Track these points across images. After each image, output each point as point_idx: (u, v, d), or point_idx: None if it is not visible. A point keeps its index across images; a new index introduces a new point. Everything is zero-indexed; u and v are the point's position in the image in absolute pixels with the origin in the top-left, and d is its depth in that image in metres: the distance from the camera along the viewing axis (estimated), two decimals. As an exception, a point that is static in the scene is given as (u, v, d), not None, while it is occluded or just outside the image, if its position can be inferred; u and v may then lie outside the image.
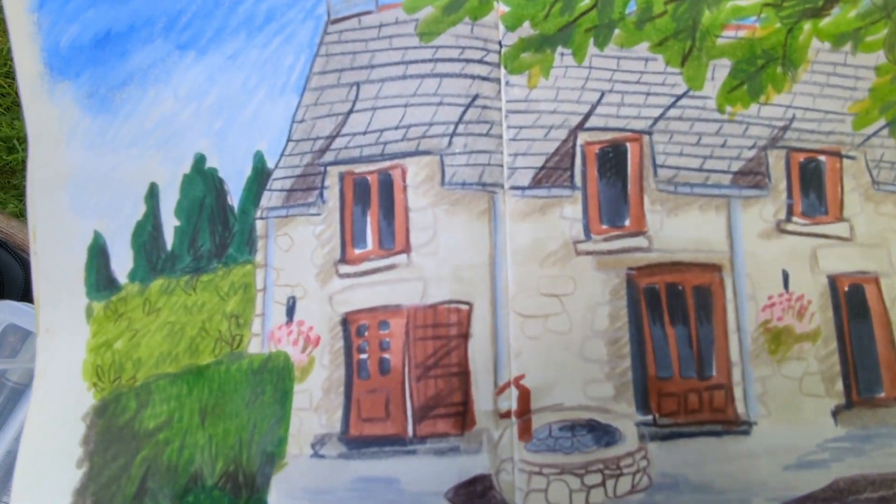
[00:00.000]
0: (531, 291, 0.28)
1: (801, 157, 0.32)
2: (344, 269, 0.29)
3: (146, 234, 0.31)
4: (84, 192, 0.32)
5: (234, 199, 0.31)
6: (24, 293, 0.56)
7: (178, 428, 0.29)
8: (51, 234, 0.32)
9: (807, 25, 0.32)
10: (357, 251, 0.28)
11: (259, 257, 0.30)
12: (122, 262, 0.31)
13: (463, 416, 0.27)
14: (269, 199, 0.30)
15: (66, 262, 0.32)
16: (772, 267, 0.30)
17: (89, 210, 0.32)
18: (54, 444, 0.30)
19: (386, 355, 0.28)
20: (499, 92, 0.30)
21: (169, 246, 0.31)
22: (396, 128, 0.29)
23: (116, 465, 0.29)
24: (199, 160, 0.31)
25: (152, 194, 0.31)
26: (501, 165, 0.29)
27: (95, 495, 0.29)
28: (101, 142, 0.32)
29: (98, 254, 0.31)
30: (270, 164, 0.30)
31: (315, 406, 0.28)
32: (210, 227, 0.31)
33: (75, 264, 0.31)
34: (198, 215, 0.31)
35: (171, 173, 0.31)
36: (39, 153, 0.32)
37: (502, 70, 0.30)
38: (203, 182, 0.31)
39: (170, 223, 0.31)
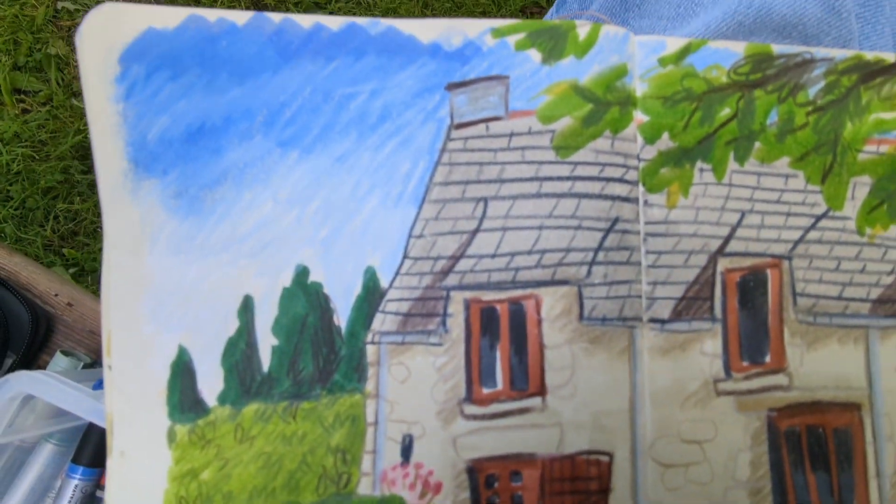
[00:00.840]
0: (672, 437, 0.26)
1: (937, 283, 0.30)
2: (470, 409, 0.26)
3: (239, 352, 0.28)
4: (167, 303, 0.29)
5: (342, 319, 0.28)
6: (30, 342, 0.52)
7: (276, 571, 0.27)
8: (128, 346, 0.29)
9: (951, 143, 0.30)
10: (486, 390, 0.26)
11: (370, 387, 0.27)
12: (210, 383, 0.28)
13: (605, 579, 0.25)
14: (382, 321, 0.27)
15: (145, 378, 0.28)
16: (909, 404, 0.29)
17: (173, 323, 0.29)
18: (133, 584, 0.27)
19: (520, 510, 0.25)
20: (638, 214, 0.27)
21: (265, 368, 0.28)
22: (530, 252, 0.27)
23: None
24: (302, 273, 0.28)
25: (247, 308, 0.28)
26: (641, 296, 0.27)
27: None
28: (189, 247, 0.28)
29: (183, 371, 0.28)
30: (384, 283, 0.27)
31: (438, 560, 0.26)
32: (313, 349, 0.28)
33: (157, 382, 0.28)
34: (299, 335, 0.28)
35: (268, 286, 0.28)
36: (117, 257, 0.29)
37: (640, 188, 0.28)
38: (306, 298, 0.28)
39: (266, 342, 0.28)
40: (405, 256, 0.28)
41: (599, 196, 0.27)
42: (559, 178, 0.27)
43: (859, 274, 0.29)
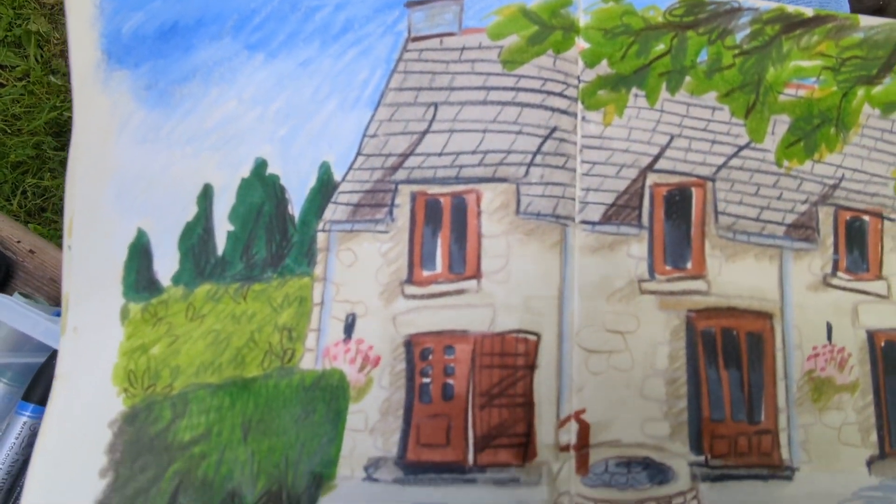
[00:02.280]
0: (597, 326, 0.28)
1: (848, 216, 0.33)
2: (410, 290, 0.28)
3: (196, 236, 0.30)
4: (131, 188, 0.30)
5: (296, 209, 0.30)
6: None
7: (216, 442, 0.28)
8: (89, 228, 0.30)
9: (860, 91, 0.34)
10: (425, 273, 0.28)
11: (318, 270, 0.29)
12: (166, 265, 0.30)
13: (525, 447, 0.26)
14: (333, 211, 0.29)
15: (103, 258, 0.30)
16: (817, 319, 0.31)
17: (135, 207, 0.30)
18: (75, 451, 0.28)
19: (450, 381, 0.27)
20: (575, 126, 0.30)
21: (220, 251, 0.30)
22: (473, 152, 0.29)
23: (145, 477, 0.28)
24: (261, 166, 0.30)
25: (206, 196, 0.30)
26: (574, 199, 0.29)
27: (122, 508, 0.27)
28: (155, 137, 0.30)
29: (140, 253, 0.30)
30: (337, 177, 0.29)
31: (370, 428, 0.27)
32: (267, 236, 0.29)
33: (114, 262, 0.30)
34: (254, 222, 0.30)
35: (228, 176, 0.30)
36: (84, 142, 0.30)
37: (579, 105, 0.30)
38: (263, 188, 0.30)
39: (222, 228, 0.30)
40: (358, 153, 0.30)
41: (540, 106, 0.29)
42: (504, 89, 0.29)
43: (776, 200, 0.32)
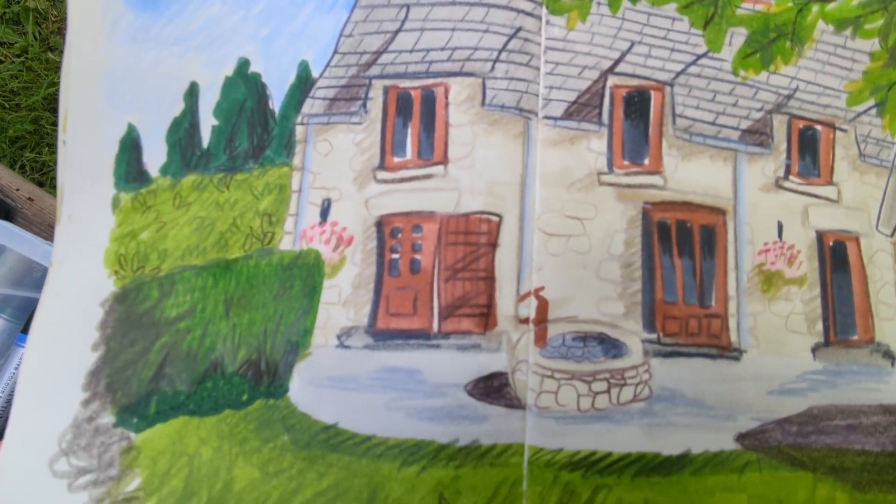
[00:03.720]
0: (556, 212, 0.30)
1: (801, 125, 0.35)
2: (382, 175, 0.30)
3: (182, 130, 0.32)
4: (121, 86, 0.32)
5: (276, 104, 0.31)
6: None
7: (200, 317, 0.30)
8: (83, 123, 0.32)
9: (815, 7, 0.35)
10: (396, 159, 0.30)
11: (297, 160, 0.31)
12: (154, 157, 0.32)
13: (486, 316, 0.28)
14: (311, 105, 0.31)
15: (95, 151, 0.32)
16: (769, 217, 0.33)
17: (125, 103, 0.32)
18: (69, 327, 0.30)
19: (417, 256, 0.29)
20: (540, 28, 0.32)
21: (205, 144, 0.32)
22: (442, 49, 0.31)
23: (134, 350, 0.30)
24: (243, 64, 0.32)
25: (192, 93, 0.32)
26: (537, 95, 0.31)
27: (110, 377, 0.29)
28: (144, 38, 0.32)
29: (130, 146, 0.32)
30: (315, 74, 0.31)
31: (343, 301, 0.29)
32: (249, 129, 0.31)
33: (105, 155, 0.32)
34: (237, 117, 0.31)
35: (212, 75, 0.32)
36: (78, 42, 0.32)
37: (544, 9, 0.32)
38: (245, 85, 0.32)
39: (207, 122, 0.32)
40: (335, 52, 0.31)
41: (506, 7, 0.31)
42: (472, -10, 0.31)
43: (732, 107, 0.34)
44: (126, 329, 0.30)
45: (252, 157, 0.31)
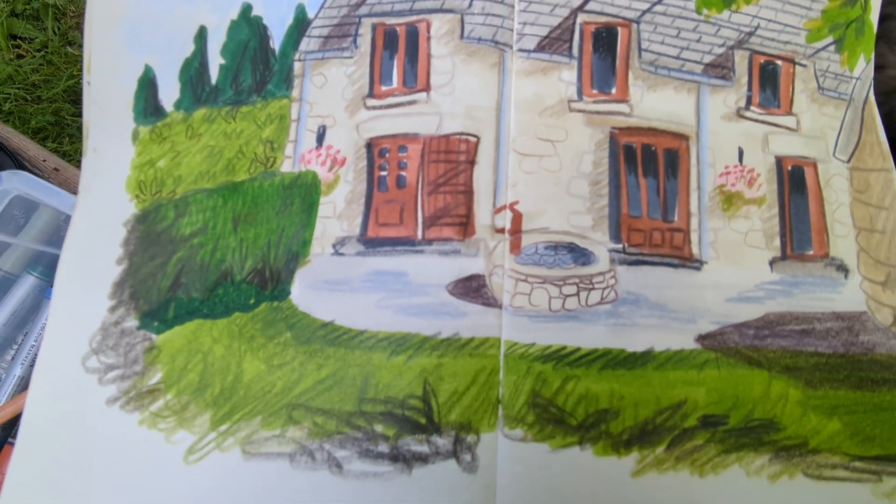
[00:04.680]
0: (530, 135, 0.33)
1: (762, 59, 0.38)
2: (371, 102, 0.33)
3: (193, 69, 0.35)
4: (138, 30, 0.36)
5: (276, 43, 0.35)
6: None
7: (212, 234, 0.33)
8: (105, 65, 0.35)
9: (775, -51, 0.38)
10: (384, 88, 0.33)
11: (295, 93, 0.34)
12: (169, 93, 0.35)
13: (465, 225, 0.32)
14: (307, 44, 0.34)
15: (116, 90, 0.35)
16: (730, 143, 0.36)
17: (142, 46, 0.35)
18: (96, 245, 0.34)
19: (403, 173, 0.32)
20: (514, -30, 0.35)
21: (213, 81, 0.35)
22: (425, -11, 0.34)
23: (153, 264, 0.33)
24: (247, 9, 0.35)
25: (201, 36, 0.35)
26: (512, 30, 0.34)
27: (133, 287, 0.33)
28: (158, -14, 0.36)
29: (147, 84, 0.35)
30: (311, 15, 0.35)
31: (338, 214, 0.32)
32: (252, 66, 0.35)
33: (125, 93, 0.35)
34: (241, 56, 0.35)
35: (219, 19, 0.35)
36: (100, -8, 0.36)
37: (518, -47, 0.35)
38: (248, 28, 0.35)
39: (216, 61, 0.35)
40: (329, -5, 0.35)
41: (483, -49, 0.34)
42: (452, -64, 0.34)
43: (695, 43, 0.37)
44: (146, 245, 0.34)
45: (255, 92, 0.35)
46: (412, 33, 0.33)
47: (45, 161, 0.64)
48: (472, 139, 0.32)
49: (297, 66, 0.34)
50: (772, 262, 0.35)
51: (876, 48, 0.40)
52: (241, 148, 0.34)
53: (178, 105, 0.35)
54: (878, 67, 0.40)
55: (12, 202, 0.51)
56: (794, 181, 0.36)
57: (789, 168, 0.37)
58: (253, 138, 0.34)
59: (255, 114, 0.34)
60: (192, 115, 0.35)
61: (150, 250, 0.33)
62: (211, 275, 0.33)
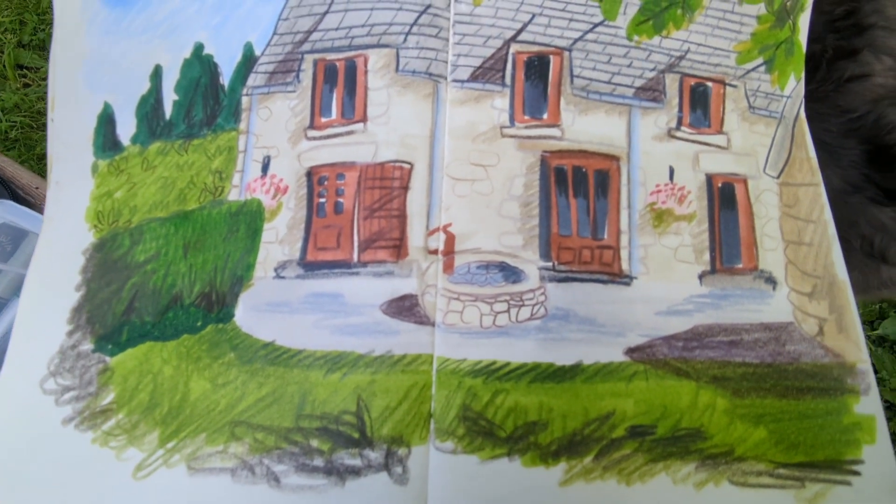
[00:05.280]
0: (463, 160, 0.35)
1: (693, 82, 0.39)
2: (312, 133, 0.35)
3: (149, 105, 0.37)
4: (98, 71, 0.38)
5: (226, 79, 0.37)
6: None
7: (164, 260, 0.35)
8: (67, 104, 0.38)
9: (703, -23, 0.40)
10: (323, 119, 0.35)
11: (242, 126, 0.36)
12: (126, 129, 0.37)
13: (398, 248, 0.33)
14: (254, 79, 0.36)
15: (78, 127, 0.38)
16: (661, 163, 0.37)
17: (101, 85, 0.38)
18: (57, 273, 0.36)
19: (341, 199, 0.34)
20: (449, 4, 0.37)
21: (168, 116, 0.37)
22: (363, 26, 0.36)
23: (109, 290, 0.35)
24: (199, 48, 0.37)
25: (157, 74, 0.37)
26: (446, 62, 0.36)
27: (90, 312, 0.35)
28: (116, 30, 0.38)
29: (106, 121, 0.37)
30: (258, 53, 0.37)
31: (280, 239, 0.34)
32: (203, 102, 0.37)
33: (86, 129, 0.37)
34: (194, 92, 0.37)
35: (173, 58, 0.38)
36: (62, 36, 0.38)
37: (452, -11, 0.37)
38: (200, 65, 0.37)
39: (170, 98, 0.37)
40: (274, 33, 0.37)
41: (417, -12, 0.36)
42: (388, -25, 0.36)
43: (627, 68, 0.38)
44: (103, 272, 0.35)
45: (206, 125, 0.37)
46: (350, 68, 0.35)
47: (37, 189, 0.67)
48: (406, 166, 0.34)
49: (244, 100, 0.37)
50: (701, 276, 0.36)
51: (862, 57, 0.41)
52: (192, 178, 0.36)
53: (134, 139, 0.37)
54: (865, 76, 0.41)
55: (0, 229, 0.54)
56: (724, 197, 0.38)
57: (719, 185, 0.38)
58: (203, 169, 0.36)
59: (205, 146, 0.36)
60: (147, 148, 0.37)
61: (106, 277, 0.35)
62: (162, 299, 0.35)
